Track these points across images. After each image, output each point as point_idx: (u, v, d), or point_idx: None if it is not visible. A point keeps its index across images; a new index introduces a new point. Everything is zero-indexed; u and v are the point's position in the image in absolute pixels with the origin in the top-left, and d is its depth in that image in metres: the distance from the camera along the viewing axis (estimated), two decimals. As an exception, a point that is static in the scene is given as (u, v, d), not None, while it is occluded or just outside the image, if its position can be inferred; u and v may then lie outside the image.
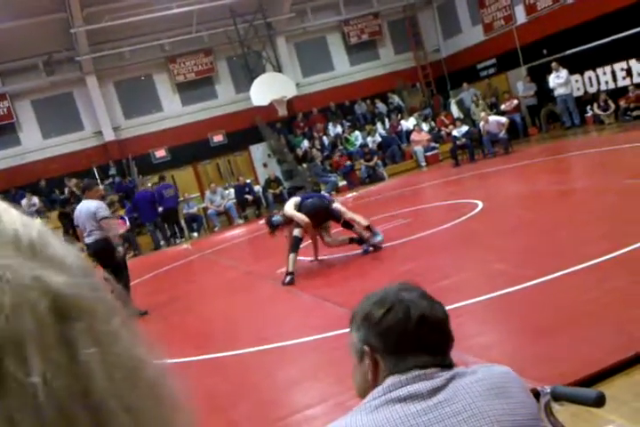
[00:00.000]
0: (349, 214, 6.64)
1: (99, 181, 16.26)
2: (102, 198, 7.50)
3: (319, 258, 7.09)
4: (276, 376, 3.99)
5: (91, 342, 0.34)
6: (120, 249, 6.70)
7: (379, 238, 6.74)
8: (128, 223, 13.94)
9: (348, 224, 6.74)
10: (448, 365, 1.16)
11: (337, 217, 6.65)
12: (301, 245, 6.62)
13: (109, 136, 16.93)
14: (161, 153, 17.44)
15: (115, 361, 0.35)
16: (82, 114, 17.01)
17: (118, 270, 6.44)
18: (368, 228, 6.69)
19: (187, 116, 17.51)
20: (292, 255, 6.40)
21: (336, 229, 7.05)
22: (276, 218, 6.80)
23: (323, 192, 15.00)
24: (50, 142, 16.50)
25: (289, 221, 6.61)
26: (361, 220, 6.64)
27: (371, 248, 6.71)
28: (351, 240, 6.80)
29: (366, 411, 1.08)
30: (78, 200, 14.78)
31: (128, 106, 17.30)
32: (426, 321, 1.15)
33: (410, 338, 1.14)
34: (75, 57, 16.20)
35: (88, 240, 6.68)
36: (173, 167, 17.03)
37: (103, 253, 6.54)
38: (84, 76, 16.60)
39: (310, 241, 6.99)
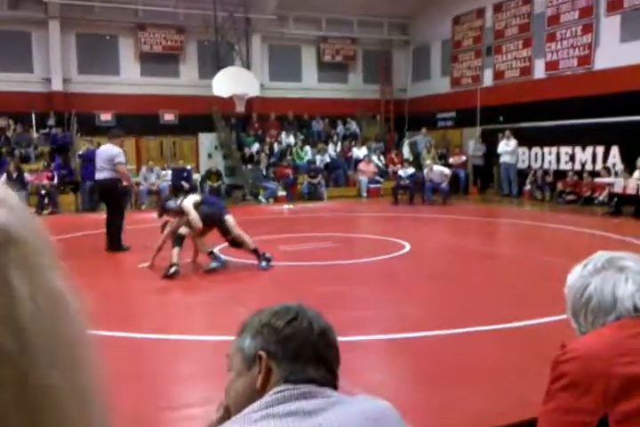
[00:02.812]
0: (237, 231, 6.65)
1: (34, 128, 15.59)
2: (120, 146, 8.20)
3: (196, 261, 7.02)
4: (168, 367, 3.93)
5: (22, 269, 0.39)
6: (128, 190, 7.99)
7: (263, 265, 6.64)
8: (56, 179, 13.40)
9: (235, 243, 6.74)
10: (336, 386, 1.18)
11: (225, 229, 6.65)
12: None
13: (57, 86, 16.20)
14: (106, 117, 16.84)
15: (40, 289, 0.40)
16: (34, 56, 16.20)
17: (116, 208, 7.82)
18: (255, 251, 6.66)
19: (143, 86, 17.01)
20: (176, 249, 6.36)
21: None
22: (171, 204, 6.72)
23: (260, 197, 15.03)
24: (-8, 76, 15.62)
25: (179, 213, 6.53)
26: (249, 242, 6.66)
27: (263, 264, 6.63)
28: (211, 253, 6.63)
29: (246, 423, 1.06)
30: (7, 139, 14.15)
31: (85, 61, 16.64)
32: (326, 336, 1.19)
33: (311, 349, 1.16)
34: (42, -2, 15.52)
35: (99, 176, 7.96)
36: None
37: (107, 190, 7.95)
38: (47, 19, 15.87)
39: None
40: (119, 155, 7.95)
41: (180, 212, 6.51)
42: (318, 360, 1.16)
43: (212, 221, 6.56)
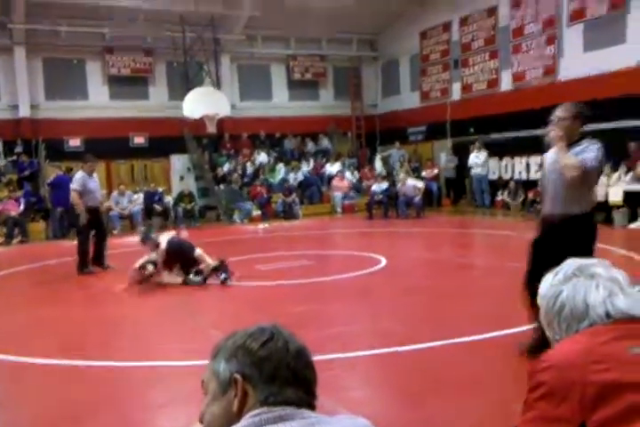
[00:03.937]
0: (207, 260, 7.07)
1: (2, 155, 15.35)
2: (91, 172, 8.39)
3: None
4: (143, 395, 3.83)
5: None
6: (82, 217, 8.19)
7: (222, 276, 6.96)
8: (22, 206, 13.15)
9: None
10: (314, 406, 1.16)
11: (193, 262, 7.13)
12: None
13: (25, 112, 16.04)
14: (75, 142, 16.67)
15: None
16: (0, 83, 16.05)
17: (77, 232, 8.39)
18: (215, 269, 7.02)
19: (112, 110, 16.93)
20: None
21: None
22: (154, 236, 7.28)
23: (235, 217, 14.96)
24: (-42, 104, 15.43)
25: (155, 246, 7.09)
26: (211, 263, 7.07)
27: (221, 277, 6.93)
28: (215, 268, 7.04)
29: None
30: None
31: (52, 86, 16.53)
32: (302, 356, 1.17)
33: (287, 370, 1.13)
34: (7, 24, 15.40)
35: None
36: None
37: (71, 216, 8.82)
38: (12, 46, 15.77)
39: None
40: (74, 181, 8.29)
41: (156, 245, 7.08)
42: (296, 381, 1.14)
43: (182, 255, 7.11)
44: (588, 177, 3.72)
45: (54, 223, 13.23)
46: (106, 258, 8.57)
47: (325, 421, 1.11)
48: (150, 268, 7.02)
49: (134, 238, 8.86)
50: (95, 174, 8.58)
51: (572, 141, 3.79)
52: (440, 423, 3.16)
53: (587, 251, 3.70)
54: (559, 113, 3.86)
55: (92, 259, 8.38)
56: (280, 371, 1.13)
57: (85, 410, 3.55)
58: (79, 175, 8.32)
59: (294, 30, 18.45)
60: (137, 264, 7.11)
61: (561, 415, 1.27)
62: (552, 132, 3.85)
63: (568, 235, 3.78)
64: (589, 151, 3.70)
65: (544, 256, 3.68)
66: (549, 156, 4.03)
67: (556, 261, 3.49)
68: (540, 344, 3.72)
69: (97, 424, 3.38)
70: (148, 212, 14.58)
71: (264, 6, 16.54)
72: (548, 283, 1.51)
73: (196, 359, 3.99)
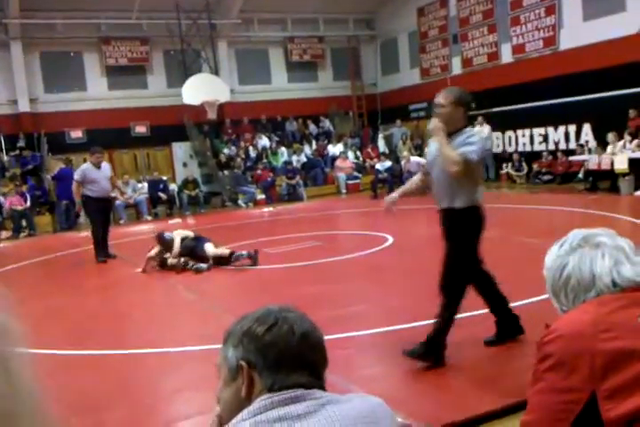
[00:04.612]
0: (214, 252, 7.30)
1: (4, 150, 15.37)
2: (98, 164, 8.40)
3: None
4: (157, 382, 3.88)
5: None
6: (77, 206, 8.89)
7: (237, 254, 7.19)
8: (29, 201, 13.22)
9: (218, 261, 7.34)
10: (323, 388, 1.16)
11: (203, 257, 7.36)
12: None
13: (24, 107, 16.01)
14: (77, 134, 16.68)
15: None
16: (-2, 79, 16.04)
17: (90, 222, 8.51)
18: (231, 254, 7.20)
19: (112, 100, 16.88)
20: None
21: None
22: (167, 235, 7.50)
23: (239, 202, 15.00)
24: (-43, 100, 15.40)
25: (170, 244, 7.36)
26: (224, 252, 7.33)
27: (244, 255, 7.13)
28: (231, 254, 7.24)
29: None
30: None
31: (50, 80, 16.48)
32: (308, 339, 1.16)
33: (292, 355, 1.13)
34: (2, 19, 15.31)
35: None
36: (88, 150, 16.26)
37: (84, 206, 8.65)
38: (8, 41, 15.70)
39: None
40: (76, 172, 8.69)
41: (170, 244, 7.33)
42: (302, 365, 1.14)
43: (192, 252, 7.38)
44: (471, 170, 3.47)
45: (60, 216, 13.29)
46: (109, 247, 8.65)
47: (337, 400, 1.12)
48: (171, 260, 7.31)
49: (141, 227, 8.94)
50: (106, 164, 8.64)
51: (455, 130, 3.53)
52: (451, 398, 3.19)
53: (470, 246, 3.61)
54: (438, 99, 3.56)
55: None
56: (285, 357, 1.13)
57: (102, 398, 3.60)
58: (82, 166, 8.52)
59: (290, 11, 18.26)
60: (148, 255, 7.43)
61: (571, 386, 1.27)
62: (431, 122, 3.61)
63: (451, 230, 3.63)
64: (471, 144, 3.44)
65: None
66: (431, 148, 3.80)
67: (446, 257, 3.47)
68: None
69: (114, 412, 3.43)
70: (153, 200, 14.60)
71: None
72: (553, 254, 1.50)
73: (209, 344, 4.03)
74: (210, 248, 7.31)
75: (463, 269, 3.66)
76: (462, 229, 3.61)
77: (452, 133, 3.52)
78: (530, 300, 4.37)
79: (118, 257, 8.56)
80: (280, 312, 1.19)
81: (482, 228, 3.65)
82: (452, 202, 3.60)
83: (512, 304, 4.01)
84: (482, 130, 15.17)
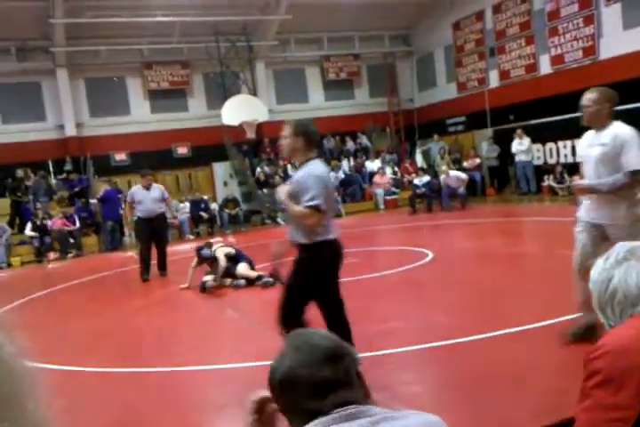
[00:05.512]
0: (247, 273, 7.41)
1: (52, 174, 15.88)
2: (148, 186, 8.74)
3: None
4: (203, 398, 3.90)
5: None
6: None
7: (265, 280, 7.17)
8: (77, 223, 13.57)
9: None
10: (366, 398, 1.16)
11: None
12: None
13: (71, 131, 16.57)
14: (121, 156, 17.15)
15: None
16: (46, 105, 16.64)
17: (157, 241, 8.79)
18: (259, 277, 7.29)
19: (154, 123, 17.33)
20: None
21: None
22: (205, 252, 7.53)
23: (278, 219, 15.11)
24: (8, 128, 15.98)
25: (211, 261, 7.44)
26: (252, 275, 7.42)
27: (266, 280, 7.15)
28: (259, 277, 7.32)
29: None
30: (27, 188, 14.50)
31: (95, 104, 17.03)
32: (313, 363, 1.15)
33: (306, 384, 1.14)
34: (49, 47, 15.94)
35: None
36: (132, 172, 16.69)
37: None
38: (55, 68, 16.32)
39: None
40: (126, 195, 9.40)
41: (213, 259, 7.42)
42: (320, 390, 1.12)
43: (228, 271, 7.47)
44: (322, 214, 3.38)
45: (106, 236, 13.61)
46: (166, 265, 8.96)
47: (392, 417, 1.11)
48: (210, 283, 7.35)
49: (184, 246, 9.13)
50: (157, 187, 8.98)
51: (301, 162, 3.51)
52: (495, 416, 3.12)
53: (314, 283, 3.53)
54: (282, 132, 3.53)
55: (157, 265, 8.87)
56: (307, 388, 1.13)
57: (146, 415, 3.66)
58: (132, 189, 9.06)
59: (326, 31, 18.48)
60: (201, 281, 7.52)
61: (619, 403, 1.25)
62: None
63: (296, 265, 3.57)
64: (308, 189, 3.35)
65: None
66: (280, 189, 3.73)
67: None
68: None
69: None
70: (195, 219, 14.84)
71: (294, 9, 16.62)
72: (599, 268, 1.48)
73: (251, 361, 4.06)
74: (242, 269, 7.45)
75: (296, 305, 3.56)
76: (304, 265, 3.54)
77: (301, 164, 3.52)
78: (576, 315, 4.25)
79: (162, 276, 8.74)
80: (283, 348, 1.21)
81: (324, 266, 3.55)
82: (298, 237, 3.53)
83: (559, 319, 3.92)
84: (521, 142, 14.96)
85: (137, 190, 8.78)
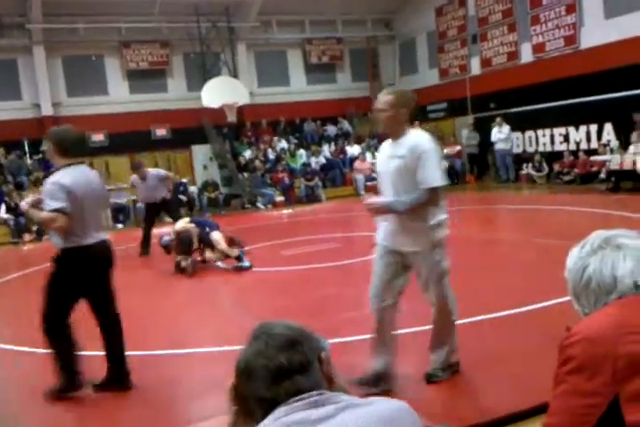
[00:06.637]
0: (222, 246, 7.16)
1: (27, 154, 15.60)
2: (143, 178, 9.11)
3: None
4: (179, 383, 3.89)
5: None
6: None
7: (246, 264, 7.14)
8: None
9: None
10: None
11: (210, 245, 7.29)
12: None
13: (47, 111, 16.26)
14: (99, 137, 16.88)
15: None
16: (22, 83, 16.28)
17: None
18: (237, 258, 7.17)
19: (132, 104, 17.06)
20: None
21: None
22: (166, 239, 7.57)
23: (258, 203, 15.07)
24: (-19, 106, 15.65)
25: (178, 243, 7.31)
26: (232, 253, 7.21)
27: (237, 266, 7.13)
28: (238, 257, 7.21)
29: None
30: (0, 168, 14.22)
31: (73, 83, 16.71)
32: (268, 350, 1.17)
33: (267, 371, 1.15)
34: (26, 24, 15.57)
35: None
36: (109, 153, 16.49)
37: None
38: (31, 45, 15.96)
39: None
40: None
41: (176, 239, 7.33)
42: (275, 378, 1.14)
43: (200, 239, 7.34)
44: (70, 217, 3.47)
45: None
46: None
47: (358, 403, 1.11)
48: (183, 263, 7.26)
49: (162, 229, 9.10)
50: (153, 172, 9.28)
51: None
52: (474, 399, 3.17)
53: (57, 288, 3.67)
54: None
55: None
56: (262, 377, 1.15)
57: (125, 399, 3.63)
58: (132, 177, 9.55)
59: (308, 13, 18.30)
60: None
61: (593, 389, 1.26)
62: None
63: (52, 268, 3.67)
64: (54, 199, 3.49)
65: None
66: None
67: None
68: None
69: (140, 412, 3.47)
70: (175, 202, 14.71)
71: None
72: (574, 256, 1.49)
73: (228, 345, 4.06)
74: (216, 236, 7.23)
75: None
76: (55, 269, 3.65)
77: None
78: (551, 302, 4.33)
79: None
80: (249, 338, 1.23)
81: (66, 275, 3.67)
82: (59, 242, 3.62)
83: (535, 306, 3.96)
84: (501, 130, 15.03)
85: (135, 180, 9.34)
